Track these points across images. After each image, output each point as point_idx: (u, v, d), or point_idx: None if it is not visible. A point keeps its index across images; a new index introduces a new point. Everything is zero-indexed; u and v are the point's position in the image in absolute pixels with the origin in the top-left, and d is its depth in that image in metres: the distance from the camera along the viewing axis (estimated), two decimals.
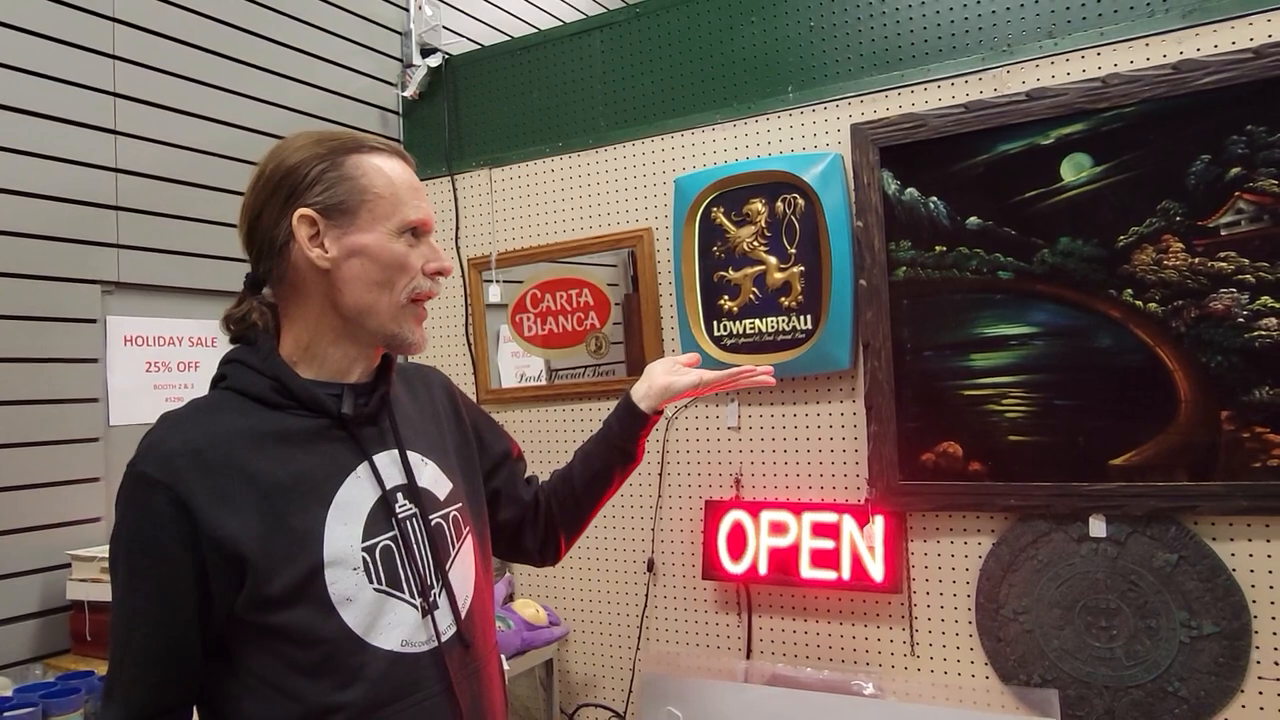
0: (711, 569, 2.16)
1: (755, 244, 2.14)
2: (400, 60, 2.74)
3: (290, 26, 2.46)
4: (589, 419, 2.42)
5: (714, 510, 2.18)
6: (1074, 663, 1.83)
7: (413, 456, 1.15)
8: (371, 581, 1.04)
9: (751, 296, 2.14)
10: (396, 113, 2.75)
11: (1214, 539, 1.73)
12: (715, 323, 2.18)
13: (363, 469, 1.08)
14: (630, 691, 2.31)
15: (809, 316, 2.07)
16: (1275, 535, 1.69)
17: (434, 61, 2.66)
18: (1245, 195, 1.69)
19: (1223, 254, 1.71)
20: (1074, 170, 1.84)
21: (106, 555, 1.81)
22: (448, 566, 1.14)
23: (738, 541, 2.14)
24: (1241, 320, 1.69)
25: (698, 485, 2.26)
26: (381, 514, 1.08)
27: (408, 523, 1.10)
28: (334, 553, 1.02)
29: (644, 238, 2.32)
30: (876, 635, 2.04)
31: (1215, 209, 1.71)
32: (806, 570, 2.05)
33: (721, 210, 2.17)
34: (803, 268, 2.08)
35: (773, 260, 2.12)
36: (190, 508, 0.96)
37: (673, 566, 2.29)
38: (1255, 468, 1.67)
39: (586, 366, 2.46)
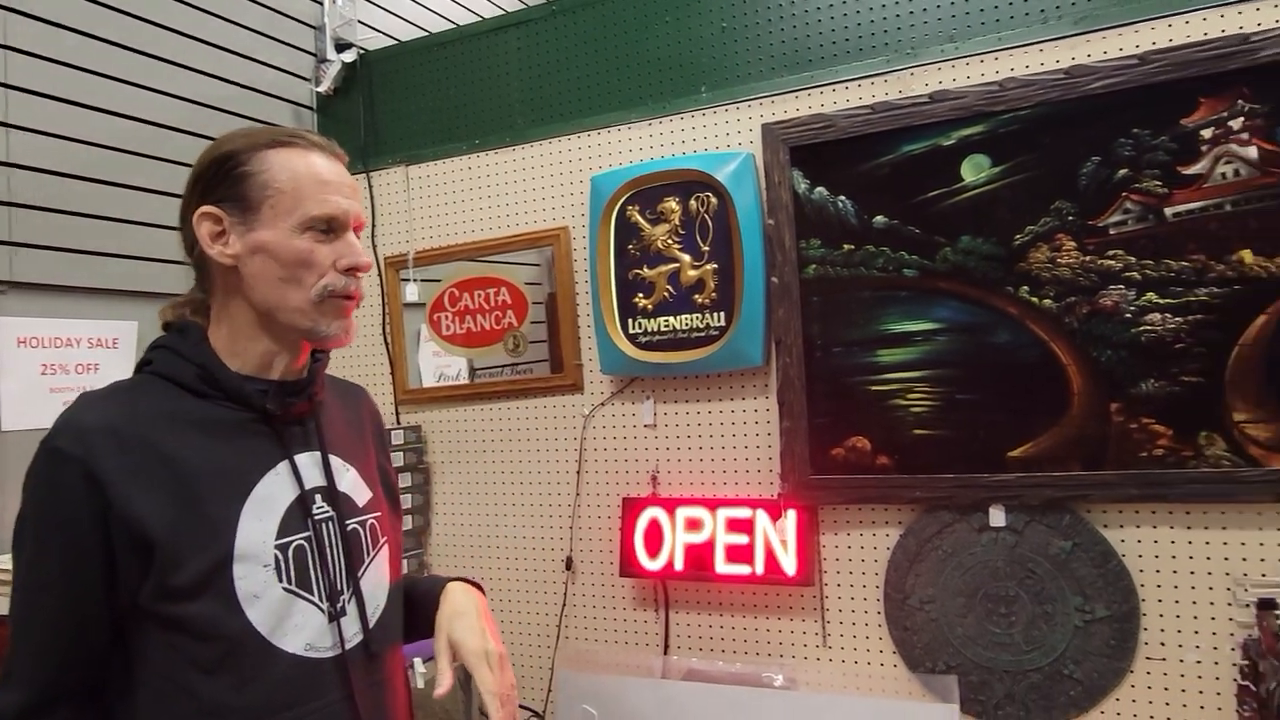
0: (629, 566, 2.17)
1: (669, 242, 2.15)
2: (314, 55, 2.68)
3: (196, 18, 2.39)
4: (508, 418, 2.41)
5: (631, 508, 2.19)
6: (976, 649, 1.88)
7: (335, 460, 1.15)
8: (281, 580, 1.03)
9: (666, 294, 2.15)
10: (310, 108, 2.69)
11: (1105, 526, 1.80)
12: (630, 320, 2.19)
13: (283, 466, 1.08)
14: (550, 690, 2.31)
15: (722, 314, 2.10)
16: (1161, 521, 1.76)
17: (348, 57, 2.62)
18: (1131, 196, 1.76)
19: (1111, 252, 1.77)
20: (974, 171, 1.89)
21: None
22: (360, 573, 1.13)
23: (654, 538, 2.15)
24: (1129, 316, 1.76)
25: (615, 483, 2.26)
26: (298, 513, 1.07)
27: (323, 525, 1.10)
28: (245, 547, 1.01)
29: (561, 236, 2.32)
30: (790, 627, 2.08)
31: (1104, 209, 1.78)
32: (722, 565, 2.07)
33: (637, 209, 2.18)
34: (716, 265, 2.10)
35: (687, 258, 2.13)
36: (102, 483, 0.95)
37: (591, 564, 2.29)
38: (1142, 457, 1.74)
39: (505, 365, 2.44)
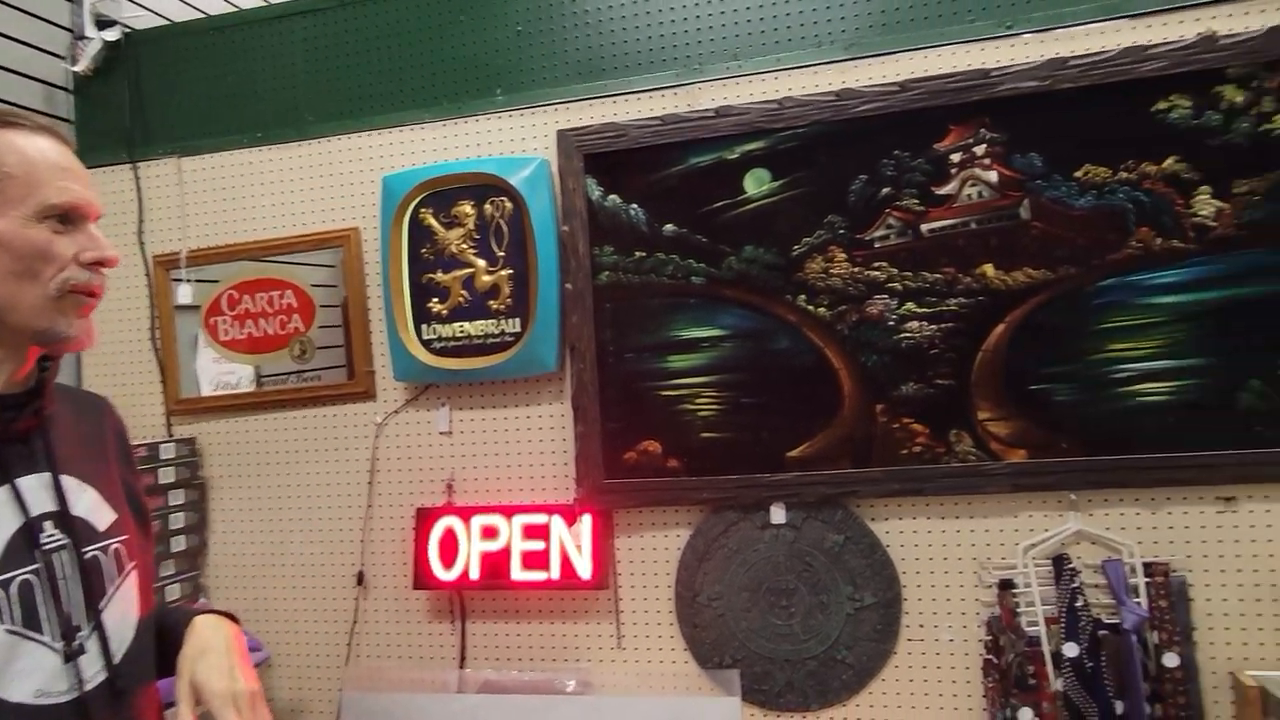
0: (423, 578, 2.11)
1: (464, 246, 2.11)
2: (70, 30, 2.43)
3: None
4: (295, 428, 2.28)
5: (425, 518, 2.13)
6: (760, 641, 1.97)
7: (69, 481, 1.03)
8: (3, 621, 0.92)
9: (460, 299, 2.11)
10: (66, 89, 2.44)
11: (873, 519, 1.93)
12: (424, 326, 2.13)
13: (2, 493, 0.96)
14: (338, 716, 2.20)
15: (517, 320, 2.08)
16: (919, 513, 1.91)
17: (111, 35, 2.39)
18: (894, 212, 1.90)
19: (877, 264, 1.91)
20: (756, 184, 1.98)
21: None
22: (102, 606, 1.03)
23: (450, 548, 2.10)
24: (892, 323, 1.90)
25: (409, 493, 2.20)
26: (23, 545, 0.96)
27: (55, 555, 0.99)
28: None
29: (351, 237, 2.22)
30: (586, 631, 2.09)
31: (870, 223, 1.91)
32: (518, 572, 2.05)
33: (430, 211, 2.13)
34: (511, 271, 2.09)
35: (481, 263, 2.10)
36: None
37: (384, 578, 2.21)
38: (903, 454, 1.89)
39: (292, 373, 2.31)
